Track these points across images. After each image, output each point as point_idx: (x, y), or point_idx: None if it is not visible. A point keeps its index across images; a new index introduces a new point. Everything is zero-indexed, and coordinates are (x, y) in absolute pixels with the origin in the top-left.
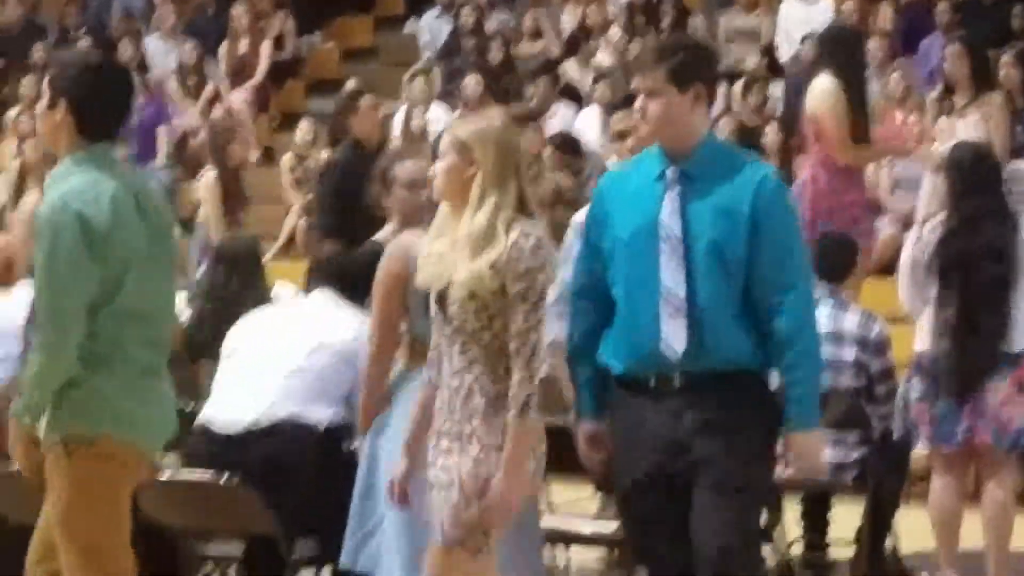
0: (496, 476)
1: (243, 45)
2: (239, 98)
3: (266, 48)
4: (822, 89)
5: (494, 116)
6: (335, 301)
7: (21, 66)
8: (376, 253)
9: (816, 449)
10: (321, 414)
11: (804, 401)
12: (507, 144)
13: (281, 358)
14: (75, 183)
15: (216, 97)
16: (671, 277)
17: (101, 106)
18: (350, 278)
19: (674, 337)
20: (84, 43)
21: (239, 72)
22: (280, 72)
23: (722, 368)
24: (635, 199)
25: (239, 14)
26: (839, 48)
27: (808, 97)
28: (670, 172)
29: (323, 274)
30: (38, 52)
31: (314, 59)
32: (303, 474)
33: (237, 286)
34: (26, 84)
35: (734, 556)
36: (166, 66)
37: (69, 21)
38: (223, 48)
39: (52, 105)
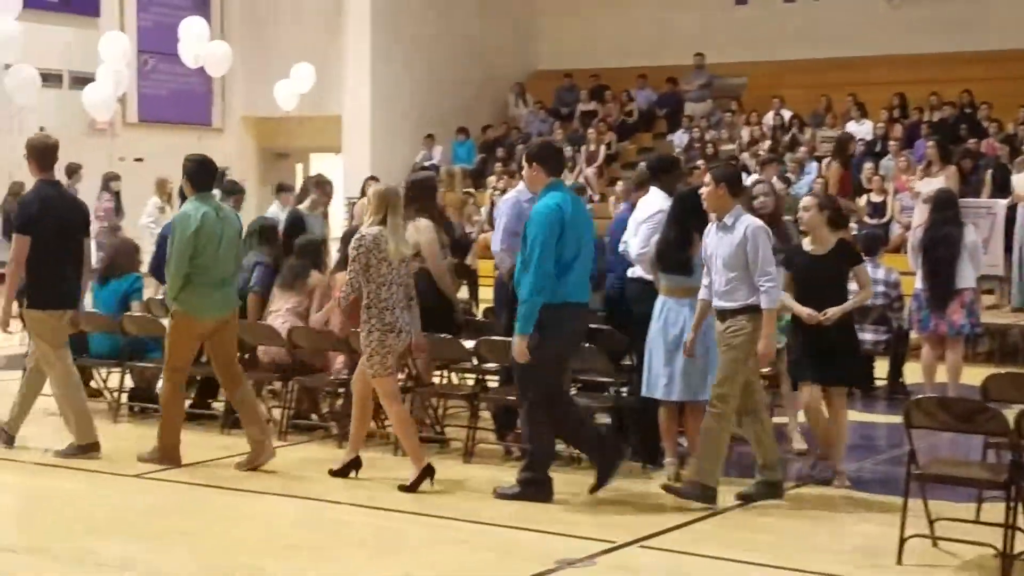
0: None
1: (592, 146)
2: (591, 172)
3: (603, 148)
4: None
5: (387, 183)
6: None
7: None
8: None
9: (520, 345)
10: None
11: (520, 319)
12: (382, 193)
13: None
14: (193, 207)
15: (580, 172)
16: None
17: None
18: None
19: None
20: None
21: (591, 159)
22: (609, 159)
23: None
24: None
25: (592, 133)
26: None
27: None
28: None
29: None
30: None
31: (623, 153)
32: None
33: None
34: None
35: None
36: None
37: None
38: (583, 149)
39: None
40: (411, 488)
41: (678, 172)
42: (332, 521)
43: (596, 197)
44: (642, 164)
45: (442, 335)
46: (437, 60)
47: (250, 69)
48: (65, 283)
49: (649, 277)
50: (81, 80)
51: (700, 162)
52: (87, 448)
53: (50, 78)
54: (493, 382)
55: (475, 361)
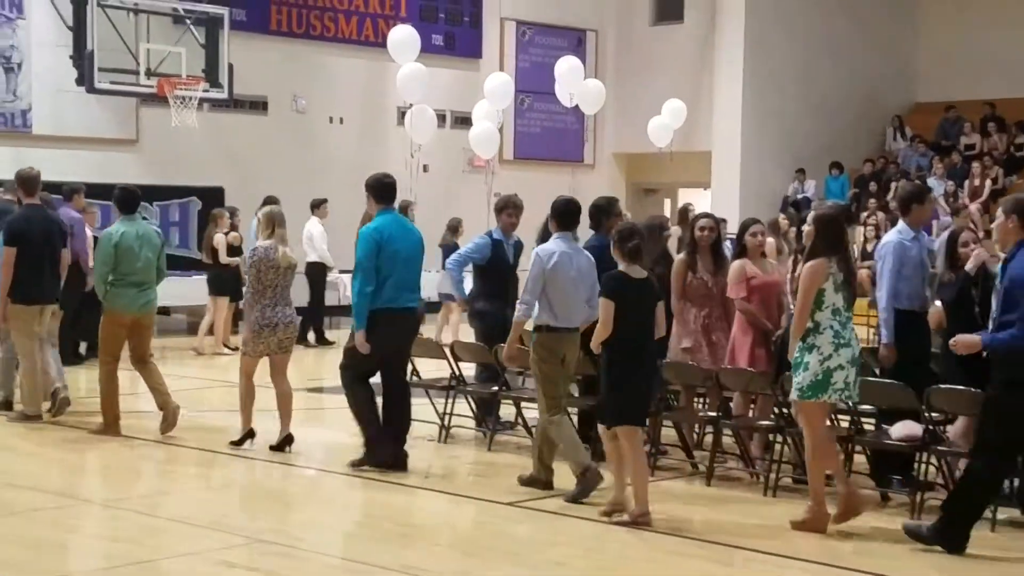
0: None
1: (976, 180)
2: (974, 207)
3: (988, 183)
4: None
5: (273, 207)
6: None
7: None
8: None
9: (358, 338)
10: None
11: (354, 318)
12: (268, 214)
13: None
14: (116, 227)
15: (964, 206)
16: None
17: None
18: None
19: None
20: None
21: (975, 194)
22: (995, 194)
23: None
24: None
25: (977, 167)
26: None
27: None
28: None
29: None
30: None
31: (1013, 188)
32: None
33: None
34: None
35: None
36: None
37: None
38: (966, 183)
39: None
40: (238, 442)
41: None
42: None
43: (981, 234)
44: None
45: None
46: (810, 94)
47: (621, 106)
48: (43, 284)
49: None
50: (462, 120)
51: None
52: (32, 418)
53: (435, 118)
54: (869, 424)
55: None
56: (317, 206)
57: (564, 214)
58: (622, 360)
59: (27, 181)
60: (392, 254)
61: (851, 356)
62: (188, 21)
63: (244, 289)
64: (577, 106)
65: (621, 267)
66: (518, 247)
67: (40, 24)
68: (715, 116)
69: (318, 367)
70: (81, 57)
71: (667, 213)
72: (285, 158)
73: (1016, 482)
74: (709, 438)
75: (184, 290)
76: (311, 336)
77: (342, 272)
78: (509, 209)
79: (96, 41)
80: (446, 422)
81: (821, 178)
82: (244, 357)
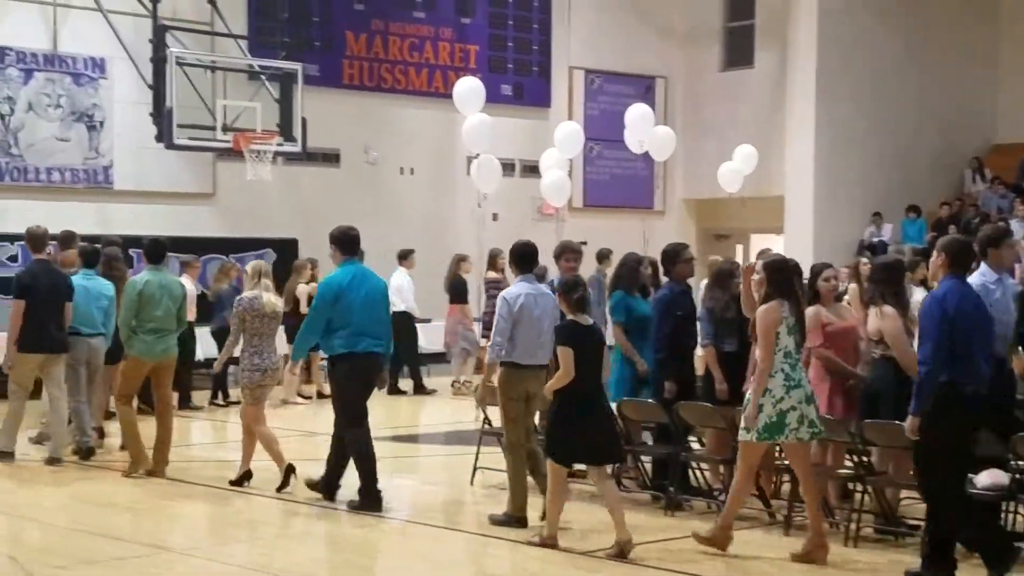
0: None
1: None
2: None
3: None
4: None
5: (259, 260)
6: None
7: None
8: None
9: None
10: None
11: (293, 352)
12: (254, 266)
13: None
14: (142, 275)
15: None
16: None
17: (156, 255)
18: None
19: None
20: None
21: None
22: None
23: None
24: None
25: None
26: None
27: None
28: None
29: None
30: None
31: None
32: None
33: None
34: None
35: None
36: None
37: None
38: None
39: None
40: (236, 482)
41: None
42: None
43: None
44: None
45: (897, 423)
46: (885, 137)
47: (691, 153)
48: (47, 334)
49: None
50: (531, 168)
51: None
52: (5, 455)
53: (504, 167)
54: None
55: None
56: (405, 257)
57: (522, 257)
58: (575, 403)
59: (34, 238)
60: (349, 303)
61: (803, 395)
62: (263, 77)
63: (230, 340)
64: (647, 153)
65: (569, 316)
66: None
67: (121, 83)
68: (787, 161)
69: (412, 415)
70: (160, 114)
71: (739, 259)
72: (357, 209)
73: None
74: (786, 487)
75: None
76: (402, 384)
77: (420, 322)
78: (567, 255)
79: (175, 98)
80: None
81: (898, 222)
82: (247, 408)
